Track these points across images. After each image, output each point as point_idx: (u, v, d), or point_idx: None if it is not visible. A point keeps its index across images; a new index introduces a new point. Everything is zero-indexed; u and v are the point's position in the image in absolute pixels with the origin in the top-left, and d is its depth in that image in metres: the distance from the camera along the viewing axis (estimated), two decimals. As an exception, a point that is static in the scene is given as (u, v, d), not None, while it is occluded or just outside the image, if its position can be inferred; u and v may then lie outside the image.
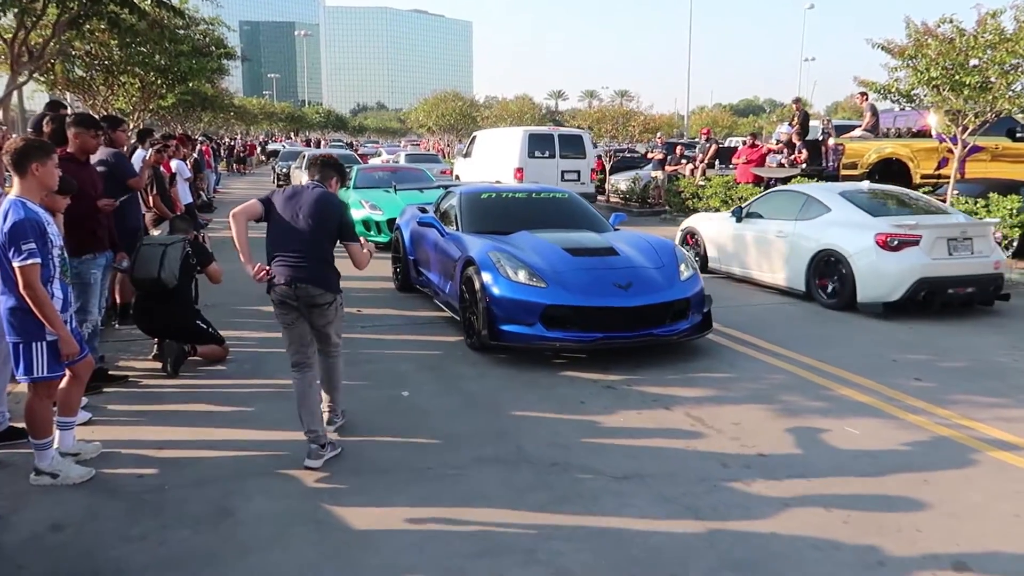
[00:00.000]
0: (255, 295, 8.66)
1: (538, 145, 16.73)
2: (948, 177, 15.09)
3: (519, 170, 16.34)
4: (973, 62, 10.66)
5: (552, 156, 16.72)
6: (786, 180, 15.48)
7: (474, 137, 20.18)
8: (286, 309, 4.32)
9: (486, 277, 6.23)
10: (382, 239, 12.22)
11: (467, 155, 19.85)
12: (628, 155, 25.67)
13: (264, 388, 5.53)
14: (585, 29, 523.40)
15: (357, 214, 12.48)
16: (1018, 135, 15.46)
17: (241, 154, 41.10)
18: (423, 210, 9.00)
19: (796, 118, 16.52)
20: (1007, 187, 12.62)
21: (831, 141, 15.17)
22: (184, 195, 12.06)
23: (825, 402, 5.37)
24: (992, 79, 10.31)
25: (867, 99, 15.48)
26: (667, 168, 19.93)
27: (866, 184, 9.90)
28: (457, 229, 7.57)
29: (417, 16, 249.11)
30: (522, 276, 6.15)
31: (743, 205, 10.39)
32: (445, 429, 4.79)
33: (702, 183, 17.73)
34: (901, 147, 15.14)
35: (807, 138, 16.25)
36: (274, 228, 4.35)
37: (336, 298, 4.39)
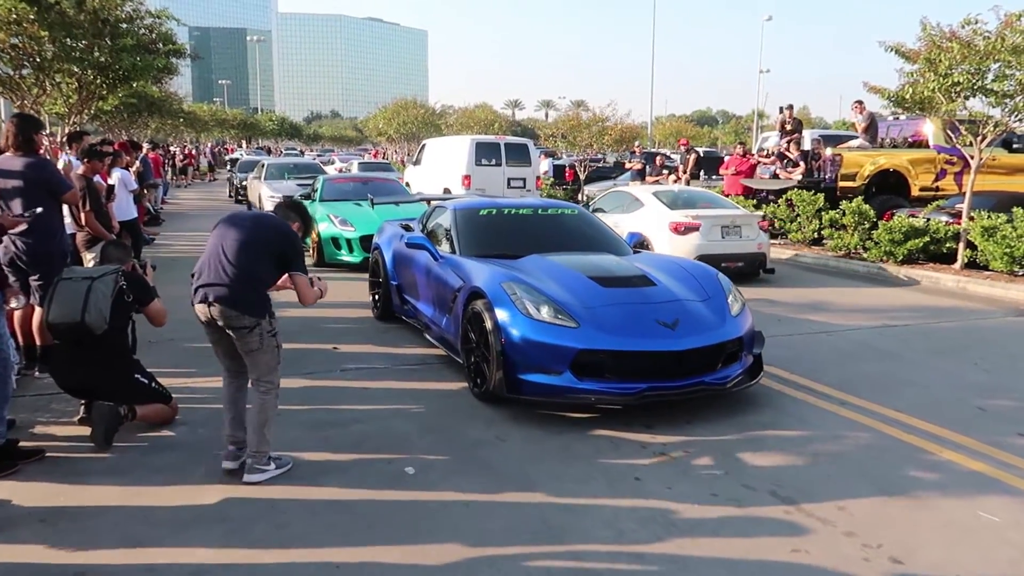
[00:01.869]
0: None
1: (485, 153, 17.25)
2: (945, 190, 14.49)
3: (467, 177, 16.90)
4: (994, 66, 9.89)
5: (499, 164, 17.25)
6: (780, 193, 14.67)
7: (424, 145, 20.50)
8: (209, 329, 4.10)
9: (500, 315, 5.08)
10: (354, 259, 10.95)
11: (417, 163, 20.06)
12: (604, 165, 24.72)
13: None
14: (541, 39, 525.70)
15: (325, 230, 11.19)
16: (1015, 146, 14.90)
17: (182, 163, 35.74)
18: (407, 227, 7.82)
19: (788, 126, 15.70)
20: (1018, 201, 11.92)
21: (828, 152, 14.36)
22: (128, 209, 10.62)
23: (933, 472, 4.33)
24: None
25: (863, 109, 14.74)
26: (648, 179, 18.98)
27: (677, 186, 13.89)
28: (453, 252, 6.42)
29: (372, 24, 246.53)
30: (546, 313, 5.01)
31: (590, 202, 13.04)
32: (473, 528, 3.60)
33: (687, 195, 16.82)
34: (899, 159, 14.42)
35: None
36: (210, 241, 4.07)
37: (259, 324, 3.96)
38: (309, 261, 11.75)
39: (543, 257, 5.98)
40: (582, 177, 21.28)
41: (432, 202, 8.41)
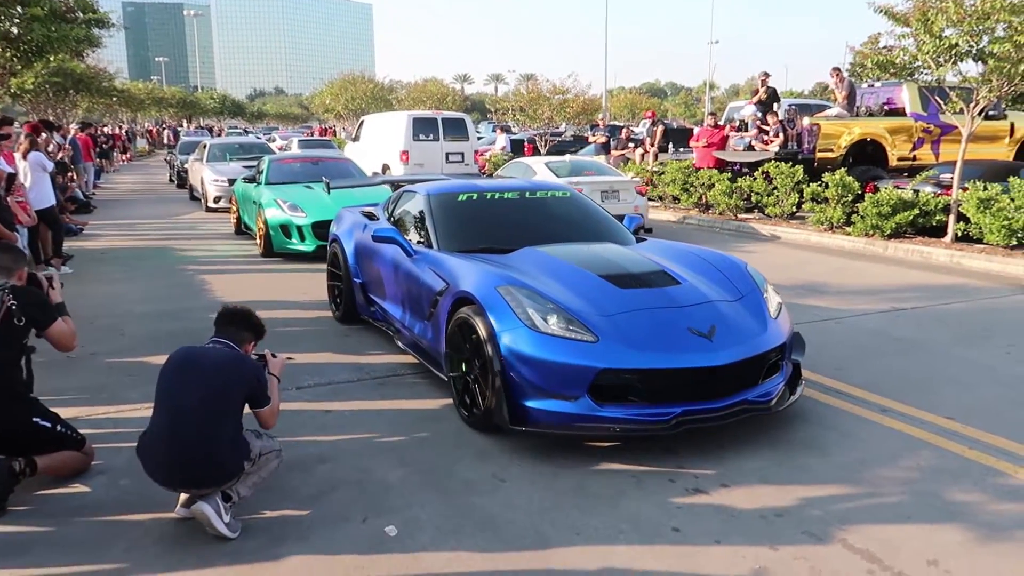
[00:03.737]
0: (143, 335, 6.36)
1: (423, 128, 17.29)
2: (921, 159, 14.02)
3: (405, 153, 16.93)
4: (998, 27, 9.27)
5: (436, 139, 17.31)
6: (756, 165, 14.01)
7: (362, 121, 20.57)
8: None
9: (498, 326, 4.14)
10: (306, 248, 9.93)
11: (356, 139, 20.12)
12: (564, 139, 23.82)
13: (159, 524, 3.33)
14: (489, 11, 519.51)
15: (274, 216, 10.12)
16: (991, 113, 14.46)
17: (104, 146, 28.79)
18: (370, 215, 6.77)
19: (763, 95, 15.02)
20: (1007, 170, 11.46)
21: (806, 121, 13.72)
22: (44, 196, 9.44)
23: (1016, 501, 3.62)
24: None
25: (841, 76, 14.12)
26: (613, 153, 18.21)
27: (568, 156, 15.89)
28: (429, 246, 5.45)
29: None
30: (555, 324, 4.07)
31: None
32: (481, 618, 2.76)
33: (656, 169, 16.10)
34: (876, 128, 13.86)
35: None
36: (158, 405, 3.28)
37: (242, 467, 3.29)
38: (255, 251, 10.70)
39: (538, 251, 5.05)
40: (542, 152, 20.40)
41: (396, 185, 7.46)
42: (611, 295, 4.38)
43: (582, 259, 4.89)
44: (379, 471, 3.92)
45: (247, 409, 3.38)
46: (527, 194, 6.09)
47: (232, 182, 13.73)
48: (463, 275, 4.66)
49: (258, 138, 29.32)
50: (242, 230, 12.27)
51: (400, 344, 5.63)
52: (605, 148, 18.41)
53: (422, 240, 5.58)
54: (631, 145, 18.42)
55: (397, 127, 17.51)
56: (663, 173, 15.45)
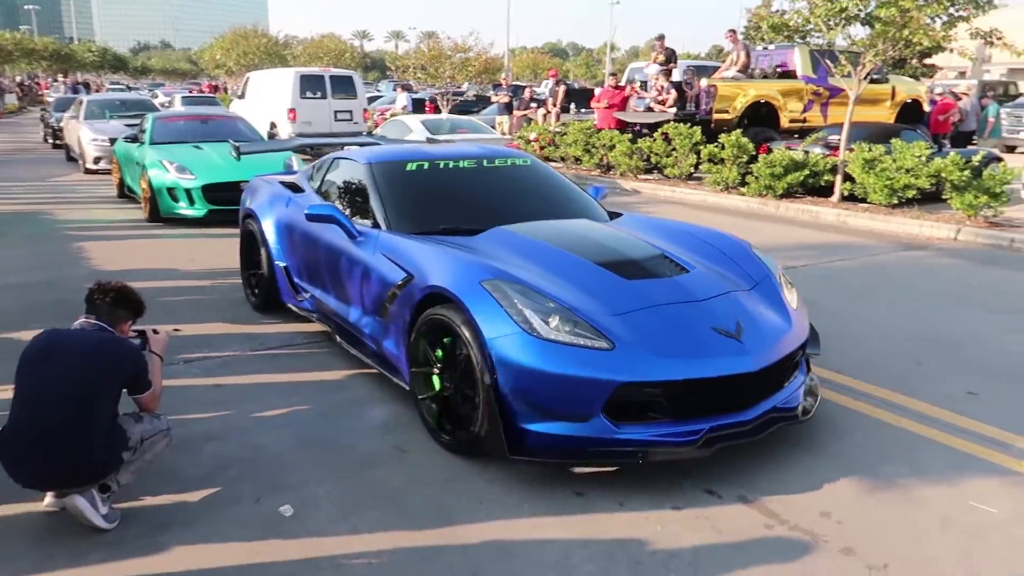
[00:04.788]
0: (15, 308, 5.77)
1: (310, 86, 17.26)
2: (811, 121, 14.51)
3: (292, 111, 16.93)
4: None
5: (324, 97, 17.34)
6: (655, 126, 14.18)
7: (248, 78, 20.25)
8: None
9: (487, 330, 3.38)
10: (196, 212, 9.40)
11: (242, 96, 19.88)
12: (466, 99, 23.47)
13: (25, 517, 3.05)
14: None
15: (159, 178, 9.50)
16: (875, 77, 15.09)
17: None
18: (293, 187, 5.82)
19: (660, 57, 15.15)
20: (888, 132, 12.01)
21: (703, 82, 13.93)
22: None
23: (902, 449, 3.78)
24: (910, 10, 9.23)
25: (736, 38, 14.39)
26: (516, 113, 18.06)
27: (444, 115, 17.45)
28: (377, 226, 4.58)
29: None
30: (559, 328, 3.34)
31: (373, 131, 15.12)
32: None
33: (558, 130, 16.08)
34: (770, 90, 14.23)
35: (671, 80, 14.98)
36: (18, 397, 2.93)
37: (121, 459, 3.03)
38: (140, 215, 10.06)
39: (512, 231, 4.33)
40: (444, 111, 20.05)
41: (315, 149, 6.80)
42: (617, 289, 3.71)
43: (568, 242, 4.21)
44: (273, 448, 3.74)
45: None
46: (485, 162, 5.22)
47: (113, 141, 12.82)
48: (431, 264, 3.89)
49: (141, 94, 27.61)
50: (125, 194, 11.50)
51: (340, 341, 4.82)
52: (508, 108, 18.23)
53: (364, 218, 4.74)
54: (533, 105, 18.31)
55: (284, 84, 17.38)
56: (565, 134, 15.44)
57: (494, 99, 19.90)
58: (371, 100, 26.58)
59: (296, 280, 5.45)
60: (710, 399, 3.41)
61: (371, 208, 4.70)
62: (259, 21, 54.66)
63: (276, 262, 5.60)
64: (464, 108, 22.03)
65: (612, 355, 3.29)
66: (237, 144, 6.90)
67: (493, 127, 17.80)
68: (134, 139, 10.97)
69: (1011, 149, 18.82)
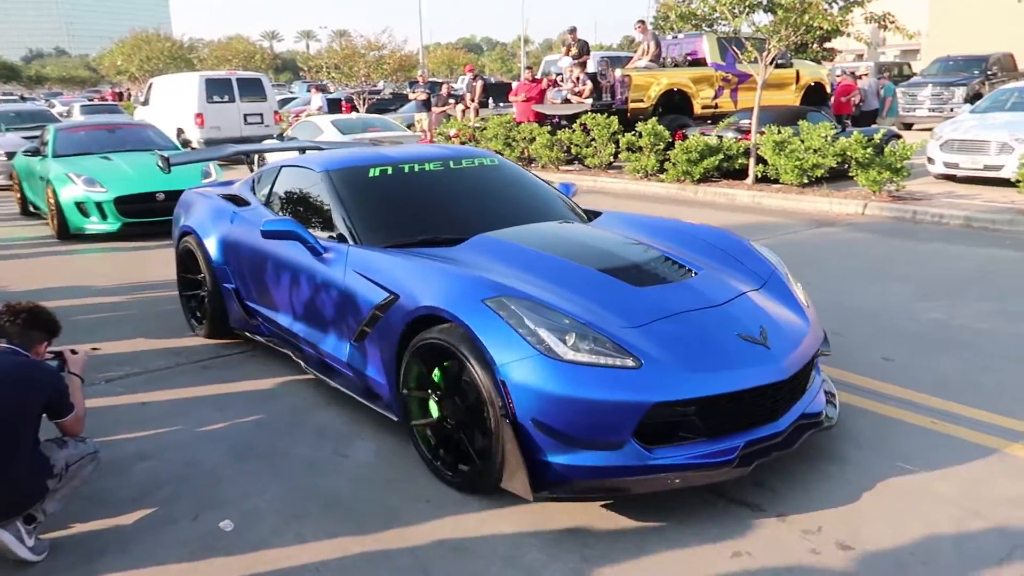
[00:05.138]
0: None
1: (217, 90, 17.27)
2: (722, 107, 14.94)
3: (199, 115, 16.85)
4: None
5: (232, 100, 17.36)
6: (574, 118, 14.35)
7: (151, 84, 20.16)
8: None
9: (498, 355, 3.02)
10: (110, 227, 9.03)
11: (145, 103, 19.70)
12: (383, 97, 23.22)
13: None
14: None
15: (68, 193, 9.07)
16: (780, 62, 15.63)
17: None
18: (236, 200, 5.32)
19: (573, 49, 15.33)
20: (795, 114, 12.46)
21: (618, 72, 14.16)
22: None
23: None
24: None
25: (645, 28, 14.68)
26: (434, 110, 17.98)
27: (355, 114, 16.67)
28: (342, 240, 4.14)
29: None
30: (580, 347, 3.00)
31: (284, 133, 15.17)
32: (332, 606, 2.63)
33: (478, 125, 16.10)
34: (682, 78, 14.58)
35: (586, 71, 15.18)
36: None
37: (46, 487, 2.89)
38: (48, 231, 9.60)
39: (500, 239, 3.96)
40: (361, 111, 19.81)
41: (250, 156, 6.55)
42: (629, 298, 3.40)
43: (562, 248, 3.88)
44: (208, 462, 3.64)
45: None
46: (452, 164, 4.78)
47: (12, 155, 12.18)
48: (418, 282, 3.48)
49: (38, 105, 26.30)
50: (29, 211, 10.95)
51: (308, 368, 4.38)
52: (426, 105, 18.13)
53: (326, 232, 4.28)
54: (452, 101, 18.27)
55: (189, 89, 17.27)
56: (485, 128, 15.47)
57: (412, 96, 19.77)
58: (285, 102, 26.09)
59: (249, 304, 4.93)
60: (741, 412, 3.17)
61: (335, 221, 4.25)
62: (161, 24, 52.75)
63: (223, 285, 5.07)
64: (381, 107, 21.80)
65: (640, 373, 2.98)
66: (166, 155, 6.31)
67: (412, 125, 17.72)
68: (35, 152, 10.45)
69: (908, 127, 19.79)
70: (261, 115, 17.78)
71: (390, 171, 4.55)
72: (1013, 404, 4.04)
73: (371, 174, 4.50)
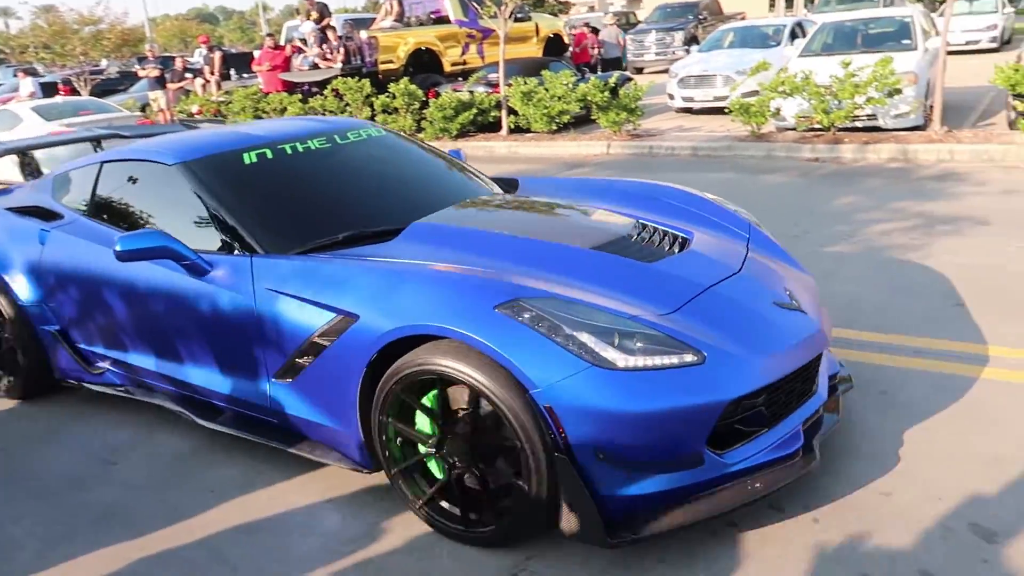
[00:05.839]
0: None
1: None
2: (470, 62, 15.27)
3: None
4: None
5: None
6: (324, 84, 13.95)
7: None
8: None
9: (537, 375, 2.36)
10: None
11: None
12: (109, 77, 21.00)
13: None
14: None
15: None
16: (519, 16, 16.21)
17: None
18: (40, 213, 4.08)
19: (313, 13, 14.81)
20: (539, 65, 13.03)
21: (363, 34, 13.92)
22: None
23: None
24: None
25: (386, -14, 14.51)
26: (170, 87, 16.59)
27: (60, 98, 14.83)
28: (229, 250, 3.19)
29: None
30: (627, 349, 2.41)
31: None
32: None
33: (222, 99, 15.15)
34: (429, 36, 14.65)
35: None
36: None
37: None
38: None
39: (448, 225, 3.27)
40: (84, 93, 17.83)
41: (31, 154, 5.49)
42: (645, 277, 2.84)
43: (530, 227, 3.32)
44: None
45: None
46: (337, 139, 3.85)
47: None
48: (386, 293, 2.68)
49: None
50: None
51: (198, 421, 3.36)
52: (160, 82, 16.65)
53: (204, 244, 3.25)
54: (189, 76, 16.95)
55: None
56: (231, 102, 14.59)
57: (142, 74, 18.01)
58: (-15, 90, 22.77)
59: (85, 347, 3.90)
60: (794, 388, 2.76)
61: (216, 227, 3.27)
62: None
63: (43, 327, 3.98)
64: (108, 87, 19.74)
65: (707, 368, 2.45)
66: None
67: (147, 105, 16.27)
68: None
69: (640, 71, 21.40)
70: None
71: (269, 155, 3.60)
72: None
73: (246, 161, 3.53)
